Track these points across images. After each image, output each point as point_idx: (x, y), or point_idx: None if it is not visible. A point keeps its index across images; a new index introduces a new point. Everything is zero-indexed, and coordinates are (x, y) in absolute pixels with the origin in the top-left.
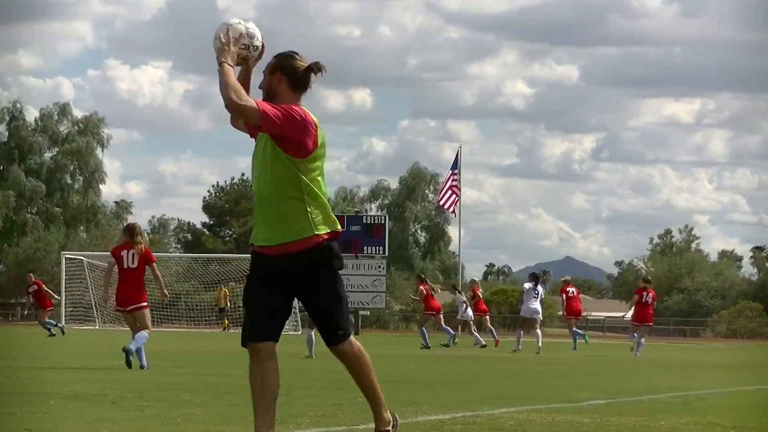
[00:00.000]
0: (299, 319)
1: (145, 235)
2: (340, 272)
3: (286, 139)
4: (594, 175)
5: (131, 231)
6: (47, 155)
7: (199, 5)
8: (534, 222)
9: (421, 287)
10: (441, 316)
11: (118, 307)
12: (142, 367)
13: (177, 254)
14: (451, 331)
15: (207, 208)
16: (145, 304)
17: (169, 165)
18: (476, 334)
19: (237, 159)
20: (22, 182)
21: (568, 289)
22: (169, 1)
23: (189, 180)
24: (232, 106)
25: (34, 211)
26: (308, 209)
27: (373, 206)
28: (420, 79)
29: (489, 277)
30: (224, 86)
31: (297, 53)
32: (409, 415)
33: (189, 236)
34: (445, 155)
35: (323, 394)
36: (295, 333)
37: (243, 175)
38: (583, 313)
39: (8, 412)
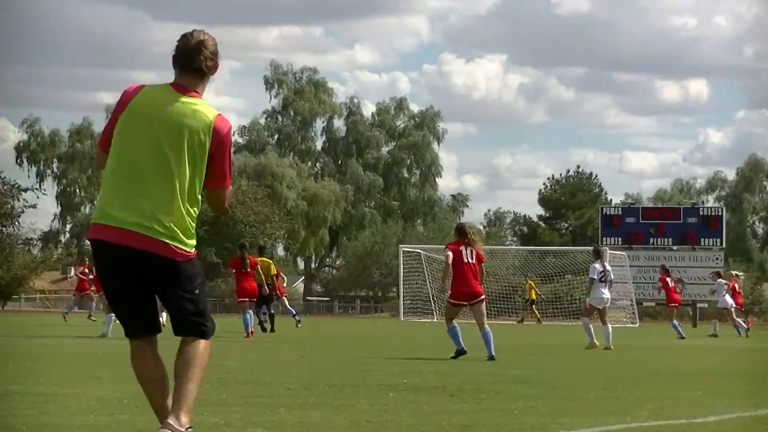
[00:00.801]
0: (636, 312)
1: (482, 232)
2: None
3: None
4: None
5: (459, 232)
6: (384, 149)
7: None
8: None
9: (664, 278)
10: (676, 309)
11: (459, 300)
12: (491, 357)
13: (514, 247)
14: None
15: (543, 200)
16: (484, 296)
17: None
18: (739, 320)
19: (573, 151)
20: (360, 176)
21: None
22: None
23: (525, 173)
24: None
25: (372, 204)
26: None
27: (710, 198)
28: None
29: None
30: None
31: (195, 30)
32: (749, 408)
33: (525, 229)
34: None
35: (660, 387)
36: (632, 325)
37: (578, 167)
38: None
39: (347, 405)
